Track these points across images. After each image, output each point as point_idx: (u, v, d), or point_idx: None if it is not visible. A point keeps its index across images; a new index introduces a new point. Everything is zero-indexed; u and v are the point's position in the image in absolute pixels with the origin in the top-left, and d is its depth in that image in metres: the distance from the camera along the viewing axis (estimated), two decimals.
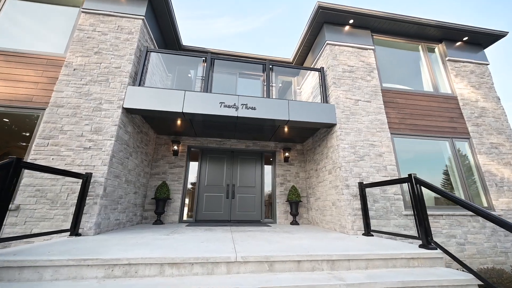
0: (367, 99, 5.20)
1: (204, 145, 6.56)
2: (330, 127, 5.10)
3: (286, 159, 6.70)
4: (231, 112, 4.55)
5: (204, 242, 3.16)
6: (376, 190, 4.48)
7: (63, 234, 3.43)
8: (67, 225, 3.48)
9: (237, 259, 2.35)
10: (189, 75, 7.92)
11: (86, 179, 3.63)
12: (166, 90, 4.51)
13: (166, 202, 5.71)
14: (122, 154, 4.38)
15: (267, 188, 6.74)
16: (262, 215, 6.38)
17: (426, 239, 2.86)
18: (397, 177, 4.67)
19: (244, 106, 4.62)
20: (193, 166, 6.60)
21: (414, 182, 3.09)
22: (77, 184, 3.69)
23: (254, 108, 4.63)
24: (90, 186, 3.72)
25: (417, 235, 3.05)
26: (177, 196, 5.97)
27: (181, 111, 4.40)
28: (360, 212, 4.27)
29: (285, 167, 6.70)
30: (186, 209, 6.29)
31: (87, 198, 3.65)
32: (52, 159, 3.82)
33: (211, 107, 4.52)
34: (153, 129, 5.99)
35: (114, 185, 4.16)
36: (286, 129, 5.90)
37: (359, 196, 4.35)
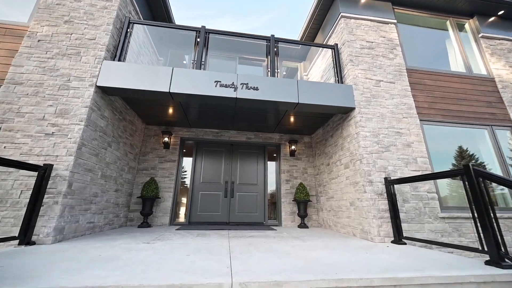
0: (390, 79, 4.39)
1: (199, 136, 5.78)
2: (346, 112, 4.29)
3: (292, 153, 5.91)
4: (228, 93, 3.76)
5: (192, 254, 2.37)
6: (406, 187, 3.68)
7: (12, 242, 2.66)
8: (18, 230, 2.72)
9: (233, 286, 1.57)
10: (184, 62, 7.16)
11: (44, 172, 2.86)
12: (150, 67, 3.73)
13: (154, 202, 4.93)
14: (96, 143, 3.61)
15: (271, 186, 5.96)
16: (265, 216, 5.59)
17: (498, 253, 2.06)
18: (430, 171, 3.87)
19: (245, 85, 3.83)
20: (187, 160, 5.83)
21: (473, 175, 2.29)
22: (34, 178, 2.92)
23: (256, 89, 3.84)
24: (51, 181, 2.94)
25: (479, 246, 2.25)
26: (168, 194, 5.20)
27: (168, 91, 3.61)
28: (387, 214, 3.47)
29: (291, 162, 5.90)
30: (179, 210, 5.53)
31: (46, 196, 2.88)
32: (4, 147, 3.05)
33: (205, 87, 3.73)
34: (140, 118, 5.21)
35: (85, 180, 3.39)
36: (292, 118, 5.11)
37: (385, 194, 3.56)
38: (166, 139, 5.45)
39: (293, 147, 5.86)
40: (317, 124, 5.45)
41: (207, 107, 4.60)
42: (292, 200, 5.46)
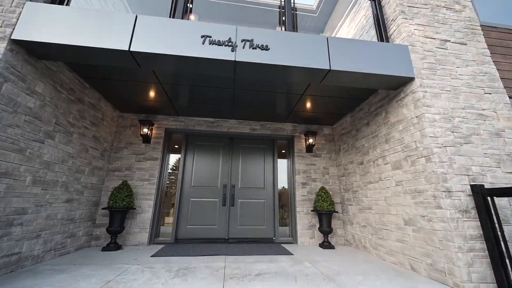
0: (460, 39, 3.02)
1: (189, 127, 4.48)
2: (397, 87, 2.94)
3: (309, 148, 4.58)
4: (223, 54, 2.44)
5: None
6: (502, 200, 2.34)
7: None
8: None
9: None
10: None
11: None
12: (100, 12, 2.41)
13: (127, 214, 3.67)
14: (19, 133, 2.33)
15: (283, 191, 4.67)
16: (276, 230, 4.30)
17: None
18: None
19: (248, 43, 2.50)
20: (174, 158, 4.56)
21: None
22: None
23: (265, 48, 2.51)
24: None
25: None
26: (147, 203, 3.93)
27: (128, 50, 2.30)
28: (480, 245, 2.14)
29: (309, 160, 4.58)
30: (163, 222, 4.28)
31: None
32: None
33: (186, 44, 2.41)
34: (109, 101, 3.93)
35: None
36: (310, 102, 3.80)
37: (473, 211, 2.23)
38: (145, 130, 4.16)
39: (310, 140, 4.53)
40: (343, 109, 4.10)
41: (193, 81, 3.29)
42: (311, 211, 4.15)
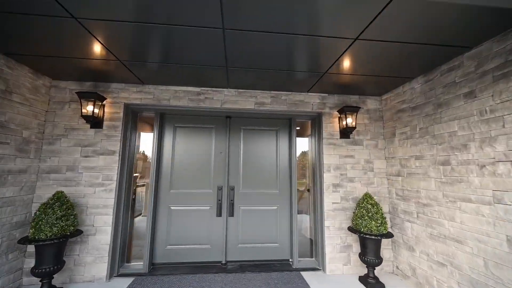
0: None
1: (162, 102, 2.91)
2: None
3: (345, 132, 3.02)
4: None
5: None
6: None
7: None
8: None
9: None
10: None
11: None
12: None
13: (64, 245, 2.37)
14: None
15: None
16: (293, 249, 3.02)
17: None
18: None
19: None
20: (144, 148, 3.12)
21: None
22: None
23: None
24: None
25: None
26: (103, 219, 2.63)
27: None
28: None
29: (344, 150, 3.05)
30: (134, 241, 3.05)
31: None
32: None
33: None
34: (23, 62, 2.34)
35: None
36: (352, 60, 2.10)
37: None
38: (90, 108, 2.63)
39: (348, 119, 2.93)
40: (408, 68, 2.40)
41: (141, 16, 1.63)
42: (348, 229, 2.77)
